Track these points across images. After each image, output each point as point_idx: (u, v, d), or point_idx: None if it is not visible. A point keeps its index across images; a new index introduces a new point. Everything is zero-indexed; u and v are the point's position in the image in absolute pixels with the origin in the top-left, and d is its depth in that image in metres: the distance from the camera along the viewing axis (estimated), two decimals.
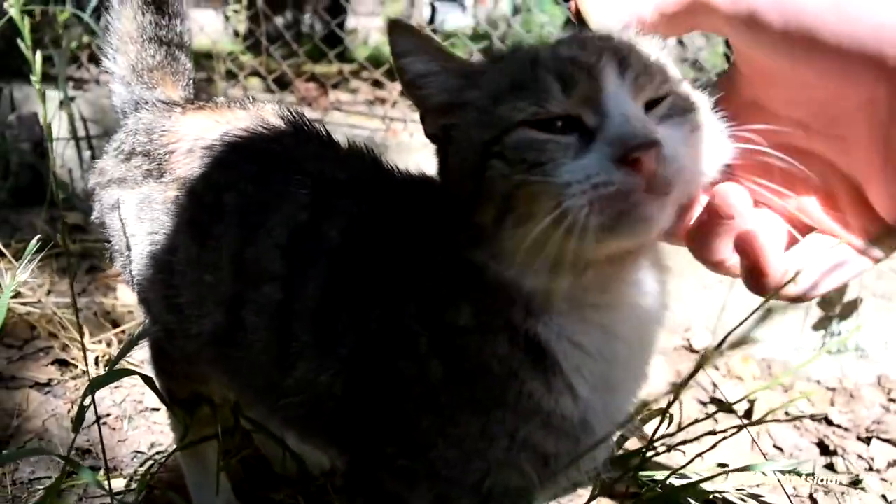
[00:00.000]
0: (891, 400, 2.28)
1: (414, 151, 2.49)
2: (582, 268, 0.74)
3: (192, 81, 1.40)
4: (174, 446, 1.44)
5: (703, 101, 0.75)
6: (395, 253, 0.88)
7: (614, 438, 0.90)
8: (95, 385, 1.01)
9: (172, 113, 1.23)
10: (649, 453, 1.78)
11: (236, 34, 7.58)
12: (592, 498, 0.88)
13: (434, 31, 8.86)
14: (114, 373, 1.05)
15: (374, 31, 9.94)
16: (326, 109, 2.67)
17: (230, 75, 3.34)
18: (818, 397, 2.23)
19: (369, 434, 0.93)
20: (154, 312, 1.24)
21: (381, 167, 1.08)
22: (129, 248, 1.20)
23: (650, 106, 0.72)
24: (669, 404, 0.92)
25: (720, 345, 0.83)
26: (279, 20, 7.07)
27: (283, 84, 3.31)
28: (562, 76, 0.71)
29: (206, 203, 1.09)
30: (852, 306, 2.37)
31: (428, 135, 0.85)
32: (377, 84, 5.27)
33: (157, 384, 1.29)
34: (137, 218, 1.18)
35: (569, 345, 0.80)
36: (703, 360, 0.86)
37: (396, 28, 0.77)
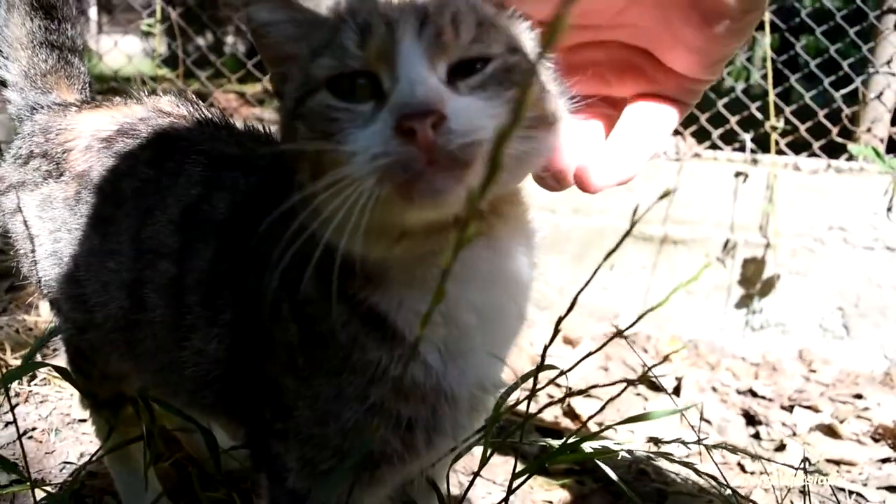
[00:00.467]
0: (811, 370, 2.39)
1: None
2: (397, 237, 0.70)
3: (88, 84, 1.39)
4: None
5: (543, 71, 0.71)
6: (269, 221, 0.86)
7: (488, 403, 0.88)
8: (9, 378, 0.99)
9: (68, 112, 1.23)
10: (581, 437, 1.83)
11: (153, 57, 7.50)
12: (484, 462, 0.88)
13: None
14: (28, 365, 1.03)
15: None
16: (247, 120, 2.66)
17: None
18: (743, 372, 2.33)
19: (253, 401, 0.94)
20: (63, 310, 1.22)
21: (275, 142, 1.09)
22: (33, 249, 1.19)
23: (462, 70, 0.66)
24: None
25: (635, 324, 0.82)
26: (201, 41, 7.02)
27: (203, 99, 3.28)
28: (361, 28, 0.67)
29: (106, 193, 1.10)
30: (770, 284, 2.48)
31: (273, 92, 0.84)
32: None
33: (78, 387, 1.28)
34: (39, 218, 1.18)
35: (411, 314, 0.78)
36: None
37: None
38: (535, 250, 0.86)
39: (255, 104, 4.10)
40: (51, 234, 1.16)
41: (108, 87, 4.13)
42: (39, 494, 1.05)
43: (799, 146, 2.57)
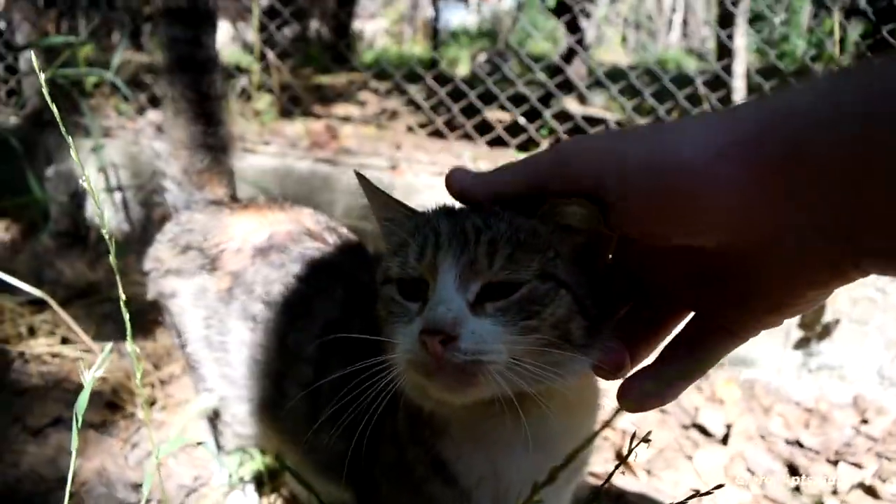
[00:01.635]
0: (863, 421, 2.47)
1: (419, 192, 2.70)
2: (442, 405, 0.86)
3: (232, 177, 1.64)
4: (216, 479, 1.69)
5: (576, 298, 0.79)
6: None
7: None
8: (163, 451, 1.24)
9: (221, 214, 1.48)
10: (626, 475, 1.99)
11: (245, 47, 7.81)
12: None
13: (436, 29, 9.00)
14: (177, 440, 1.29)
15: (378, 34, 10.09)
16: (336, 152, 2.89)
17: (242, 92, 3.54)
18: (794, 418, 2.43)
19: (361, 485, 1.16)
20: (210, 382, 1.49)
21: None
22: (186, 329, 1.46)
23: (492, 291, 0.77)
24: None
25: None
26: (287, 31, 7.28)
27: (293, 100, 3.49)
28: (420, 247, 0.81)
29: (258, 295, 1.33)
30: (829, 327, 2.56)
31: None
32: (386, 93, 5.46)
33: (209, 435, 1.58)
34: (193, 305, 1.44)
35: (468, 465, 0.94)
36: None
37: (360, 178, 0.93)
38: (597, 408, 0.99)
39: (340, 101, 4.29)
40: (203, 319, 1.42)
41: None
42: None
43: None
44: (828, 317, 2.55)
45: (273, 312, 1.32)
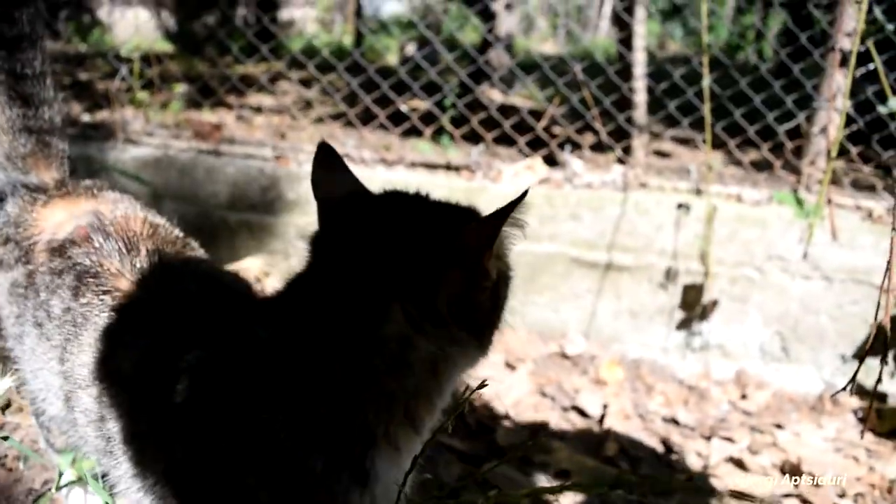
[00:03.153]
0: (742, 396, 2.53)
1: (303, 180, 2.65)
2: None
3: (66, 159, 1.55)
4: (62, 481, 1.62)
5: None
6: None
7: None
8: None
9: (35, 206, 1.39)
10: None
11: (167, 33, 7.62)
12: None
13: (359, 17, 8.91)
14: None
15: (309, 22, 9.96)
16: (219, 142, 2.82)
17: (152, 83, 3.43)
18: (675, 397, 2.47)
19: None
20: (28, 382, 1.40)
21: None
22: (4, 324, 1.37)
23: None
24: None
25: None
26: (210, 18, 7.12)
27: (206, 91, 3.40)
28: None
29: (41, 300, 1.24)
30: (709, 309, 2.61)
31: None
32: (305, 83, 5.37)
33: (41, 434, 1.49)
34: (8, 300, 1.35)
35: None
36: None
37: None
38: None
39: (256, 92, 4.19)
40: (16, 317, 1.30)
41: (111, 71, 4.28)
42: None
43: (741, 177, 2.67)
44: (707, 297, 2.60)
45: (52, 326, 1.19)
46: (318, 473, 0.89)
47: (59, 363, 1.17)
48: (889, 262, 1.26)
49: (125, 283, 1.16)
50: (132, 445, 1.05)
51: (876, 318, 1.25)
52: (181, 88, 4.14)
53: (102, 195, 1.39)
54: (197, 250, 1.36)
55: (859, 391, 2.62)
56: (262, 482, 0.91)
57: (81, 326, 1.14)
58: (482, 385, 0.96)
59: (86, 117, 3.33)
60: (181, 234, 1.37)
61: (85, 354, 1.12)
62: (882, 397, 2.59)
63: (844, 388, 1.18)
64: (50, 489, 1.69)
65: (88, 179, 1.49)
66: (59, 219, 1.34)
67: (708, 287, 2.59)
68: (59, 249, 1.27)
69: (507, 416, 2.19)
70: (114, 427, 1.07)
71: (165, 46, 7.13)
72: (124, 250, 1.22)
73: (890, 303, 1.30)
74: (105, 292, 1.14)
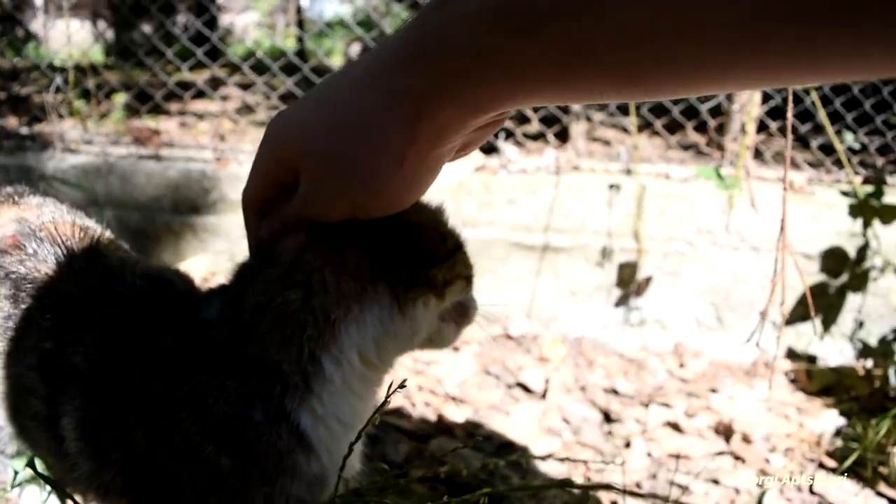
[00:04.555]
0: (680, 365, 2.64)
1: (244, 181, 2.68)
2: None
3: None
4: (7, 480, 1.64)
5: None
6: None
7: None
8: None
9: None
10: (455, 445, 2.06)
11: (105, 43, 7.54)
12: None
13: (301, 21, 8.92)
14: None
15: (250, 27, 9.92)
16: (158, 146, 2.84)
17: (96, 89, 3.41)
18: (615, 369, 2.57)
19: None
20: None
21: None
22: None
23: None
24: None
25: None
26: (147, 27, 7.06)
27: (144, 97, 3.39)
28: None
29: None
30: (644, 285, 2.71)
31: None
32: (246, 87, 5.37)
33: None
34: None
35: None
36: None
37: None
38: None
39: (197, 99, 4.20)
40: None
41: (48, 83, 4.24)
42: None
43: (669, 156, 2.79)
44: (641, 274, 2.71)
45: None
46: (259, 425, 0.93)
47: (4, 370, 1.17)
48: (783, 222, 1.36)
49: (65, 286, 1.15)
50: (90, 441, 1.04)
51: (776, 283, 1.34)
52: (122, 98, 4.12)
53: (24, 201, 1.35)
54: (130, 253, 1.34)
55: (790, 354, 2.77)
56: (217, 446, 0.94)
57: (25, 331, 1.13)
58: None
59: (24, 130, 3.31)
60: (112, 237, 1.35)
61: (31, 357, 1.11)
62: (812, 359, 2.74)
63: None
64: (3, 489, 1.72)
65: (8, 186, 1.46)
66: None
67: (642, 263, 2.70)
68: None
69: (452, 397, 2.26)
70: (68, 424, 1.05)
71: (101, 57, 7.05)
72: (60, 254, 1.20)
73: (787, 262, 1.40)
74: (46, 296, 1.14)
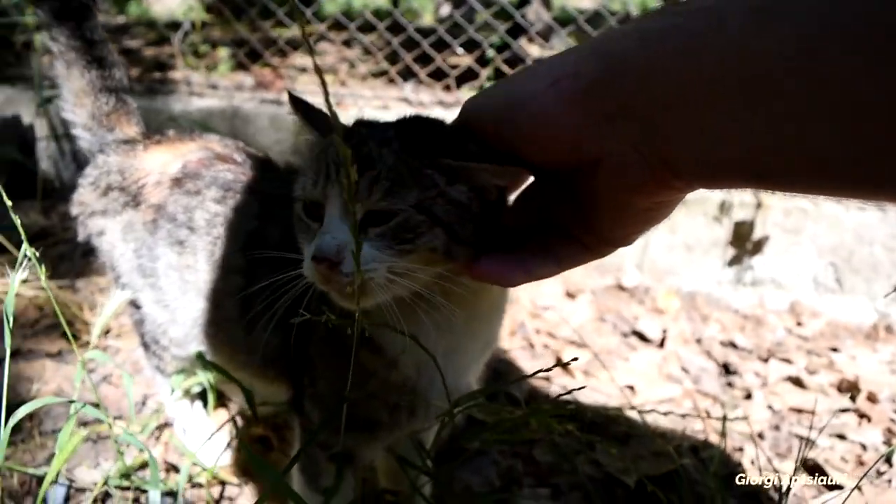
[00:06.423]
0: (798, 324, 2.60)
1: None
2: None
3: (138, 114, 1.70)
4: (163, 397, 1.77)
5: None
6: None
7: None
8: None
9: (136, 152, 1.54)
10: (572, 383, 2.09)
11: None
12: (441, 430, 1.13)
13: None
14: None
15: None
16: (280, 91, 2.93)
17: (195, 52, 3.54)
18: (731, 324, 2.54)
19: (299, 372, 1.26)
20: (146, 310, 1.56)
21: None
22: (118, 263, 1.53)
23: (374, 217, 0.86)
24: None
25: None
26: None
27: (251, 55, 3.50)
28: (317, 172, 0.89)
29: (181, 222, 1.41)
30: (760, 244, 2.66)
31: None
32: (346, 44, 5.45)
33: (148, 363, 1.66)
34: (123, 239, 1.51)
35: (388, 341, 1.06)
36: None
37: (291, 97, 1.00)
38: (501, 299, 1.13)
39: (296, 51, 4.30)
40: (134, 251, 1.49)
41: (159, 37, 4.41)
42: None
43: None
44: (759, 231, 2.66)
45: (198, 235, 1.39)
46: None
47: (206, 263, 1.37)
48: None
49: (262, 185, 1.40)
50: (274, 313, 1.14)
51: None
52: (225, 52, 4.25)
53: (206, 136, 1.58)
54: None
55: None
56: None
57: (232, 222, 1.35)
58: None
59: (157, 75, 3.47)
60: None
61: (237, 241, 1.33)
62: None
63: None
64: (156, 401, 1.85)
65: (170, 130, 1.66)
66: (162, 160, 1.50)
67: (761, 220, 2.64)
68: (183, 179, 1.46)
69: (571, 341, 2.29)
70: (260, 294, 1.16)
71: (204, 15, 7.25)
72: (248, 165, 1.45)
73: None
74: (250, 193, 1.38)
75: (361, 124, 0.96)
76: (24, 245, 1.18)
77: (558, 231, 0.88)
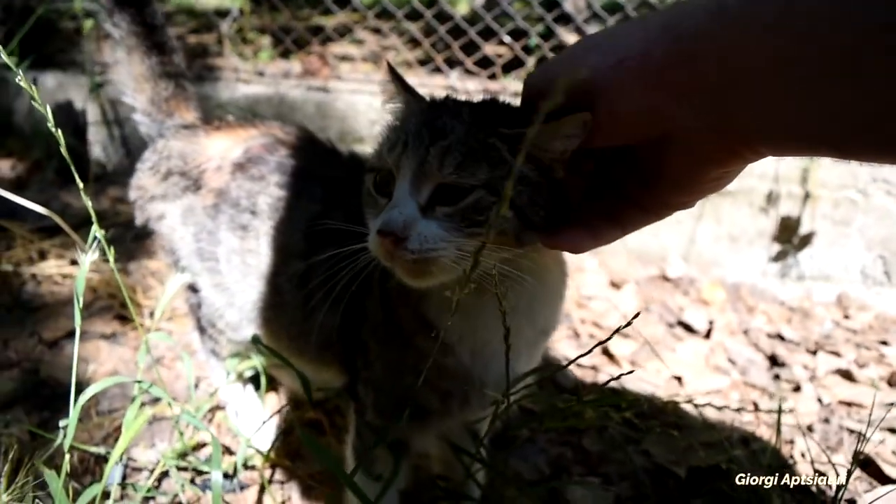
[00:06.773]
0: (845, 317, 2.56)
1: None
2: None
3: (197, 104, 1.72)
4: (216, 380, 1.80)
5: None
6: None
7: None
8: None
9: (197, 137, 1.56)
10: (618, 371, 2.09)
11: None
12: (495, 419, 1.12)
13: None
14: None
15: None
16: (328, 79, 2.94)
17: (242, 38, 3.58)
18: (777, 316, 2.52)
19: (353, 356, 1.26)
20: (204, 294, 1.59)
21: None
22: (177, 247, 1.56)
23: (444, 193, 0.85)
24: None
25: None
26: None
27: (296, 42, 3.52)
28: (394, 140, 0.89)
29: (244, 206, 1.43)
30: (807, 239, 2.63)
31: None
32: (378, 31, 5.46)
33: (203, 346, 1.69)
34: (183, 224, 1.53)
35: (447, 325, 1.01)
36: None
37: (388, 67, 1.01)
38: (562, 282, 1.13)
39: (338, 38, 4.32)
40: (194, 235, 1.52)
41: (201, 25, 4.45)
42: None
43: None
44: (807, 222, 2.62)
45: (261, 219, 1.41)
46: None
47: (268, 247, 1.39)
48: None
49: (326, 169, 1.42)
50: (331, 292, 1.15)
51: None
52: (266, 40, 4.28)
53: (267, 123, 1.60)
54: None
55: None
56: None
57: (296, 207, 1.37)
58: None
59: (209, 62, 3.50)
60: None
61: (300, 223, 1.34)
62: None
63: None
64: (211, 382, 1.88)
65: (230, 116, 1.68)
66: (224, 146, 1.52)
67: (808, 214, 2.60)
68: (246, 164, 1.49)
69: (616, 330, 2.28)
70: (319, 276, 1.21)
71: (246, 3, 7.29)
72: (312, 151, 1.48)
73: None
74: (313, 178, 1.40)
75: (446, 99, 0.97)
76: (94, 227, 1.21)
77: (618, 195, 0.89)
